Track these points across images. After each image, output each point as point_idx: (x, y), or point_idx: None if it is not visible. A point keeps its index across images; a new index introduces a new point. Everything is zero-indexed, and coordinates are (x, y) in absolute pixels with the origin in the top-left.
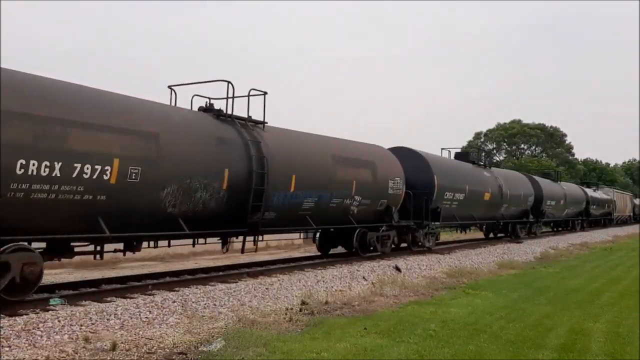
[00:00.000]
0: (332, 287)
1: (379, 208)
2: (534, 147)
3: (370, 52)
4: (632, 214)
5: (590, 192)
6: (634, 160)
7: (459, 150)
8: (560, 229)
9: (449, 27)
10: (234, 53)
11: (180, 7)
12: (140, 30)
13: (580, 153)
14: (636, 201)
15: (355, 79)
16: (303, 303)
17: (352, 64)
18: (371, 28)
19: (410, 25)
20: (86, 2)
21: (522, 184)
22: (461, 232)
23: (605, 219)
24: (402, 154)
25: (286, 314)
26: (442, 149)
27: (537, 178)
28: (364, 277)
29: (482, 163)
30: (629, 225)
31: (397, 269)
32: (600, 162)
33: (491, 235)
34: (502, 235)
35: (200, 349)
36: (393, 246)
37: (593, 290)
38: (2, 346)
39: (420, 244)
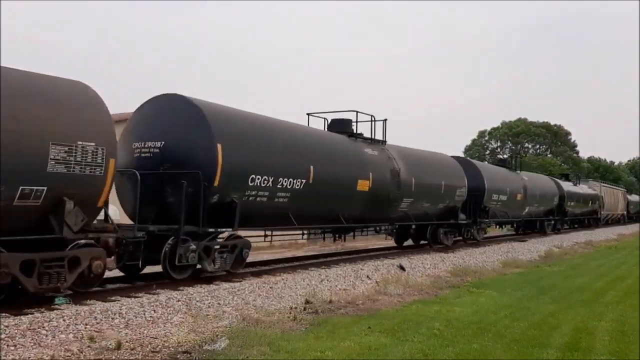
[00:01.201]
0: (336, 286)
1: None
2: (538, 146)
3: (370, 51)
4: (625, 212)
5: (567, 185)
6: (638, 158)
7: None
8: (518, 232)
9: (449, 26)
10: (234, 53)
11: (179, 7)
12: (140, 30)
13: (585, 152)
14: (631, 197)
15: (354, 79)
16: (307, 302)
17: (352, 64)
18: (371, 28)
19: (411, 25)
20: (86, 2)
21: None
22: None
23: (590, 219)
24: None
25: (290, 312)
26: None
27: (478, 164)
28: (368, 276)
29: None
30: (621, 225)
31: (401, 267)
32: (605, 160)
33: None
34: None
35: (204, 347)
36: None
37: (597, 289)
38: (8, 345)
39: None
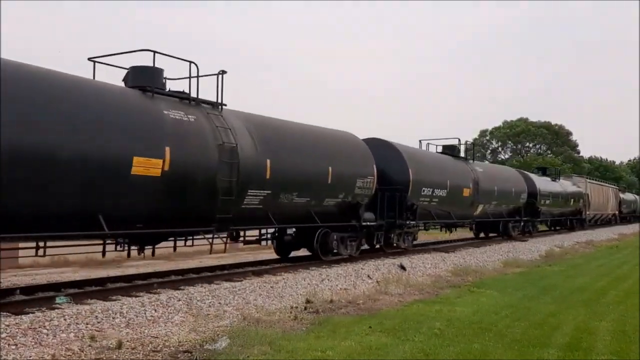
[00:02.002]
0: (336, 285)
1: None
2: (539, 146)
3: (371, 50)
4: (617, 212)
5: (542, 181)
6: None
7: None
8: (479, 236)
9: (449, 26)
10: (236, 52)
11: (182, 6)
12: (141, 30)
13: (586, 152)
14: (624, 196)
15: (355, 78)
16: (308, 301)
17: (353, 63)
18: (371, 27)
19: (411, 24)
20: (86, 1)
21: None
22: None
23: (573, 220)
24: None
25: (291, 312)
26: (421, 140)
27: (401, 148)
28: (368, 276)
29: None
30: (612, 226)
31: (402, 267)
32: (606, 159)
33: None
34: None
35: (205, 347)
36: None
37: (598, 289)
38: (9, 344)
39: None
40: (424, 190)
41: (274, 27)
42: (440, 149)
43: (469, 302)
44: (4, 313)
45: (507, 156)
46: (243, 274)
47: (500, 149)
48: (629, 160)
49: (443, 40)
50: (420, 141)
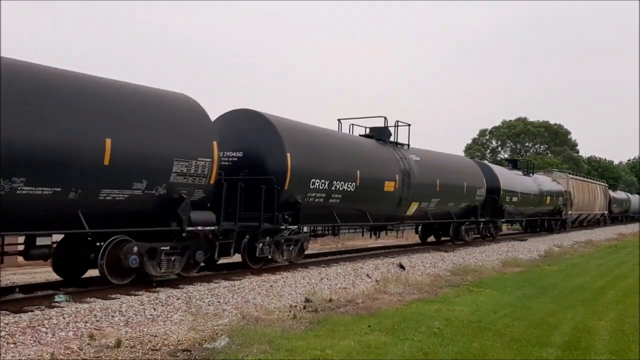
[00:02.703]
0: (335, 284)
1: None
2: (538, 145)
3: (371, 50)
4: (606, 212)
5: (508, 175)
6: (639, 158)
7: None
8: (426, 240)
9: (449, 26)
10: (235, 52)
11: (183, 6)
12: (142, 30)
13: (585, 152)
14: (615, 194)
15: (355, 77)
16: (307, 300)
17: (353, 63)
18: (371, 27)
19: (411, 24)
20: (86, 1)
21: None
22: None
23: (551, 221)
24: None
25: (290, 311)
26: (340, 120)
27: (276, 121)
28: (367, 275)
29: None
30: (600, 227)
31: (401, 266)
32: (605, 159)
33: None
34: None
35: (204, 346)
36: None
37: (597, 288)
38: (8, 343)
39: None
40: (314, 183)
41: (273, 27)
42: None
43: (468, 301)
44: (3, 311)
45: (506, 156)
46: (242, 272)
47: (499, 148)
48: (629, 160)
49: (443, 40)
50: (339, 120)
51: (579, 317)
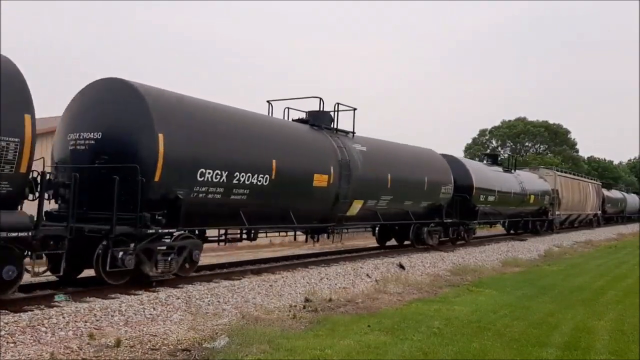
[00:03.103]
0: (335, 284)
1: None
2: (538, 145)
3: (371, 50)
4: (599, 212)
5: (481, 170)
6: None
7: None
8: (386, 244)
9: (450, 26)
10: (236, 52)
11: (183, 6)
12: (142, 30)
13: (585, 151)
14: (610, 193)
15: (356, 77)
16: (307, 300)
17: (354, 62)
18: (372, 26)
19: (412, 23)
20: (87, 1)
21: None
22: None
23: (537, 222)
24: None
25: (290, 311)
26: (270, 101)
27: (149, 104)
28: (367, 275)
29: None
30: (591, 228)
31: (401, 266)
32: (605, 160)
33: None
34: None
35: (204, 345)
36: None
37: (597, 288)
38: (8, 342)
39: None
40: (203, 174)
41: (273, 27)
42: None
43: (468, 301)
44: (3, 311)
45: (506, 156)
46: (242, 272)
47: (499, 148)
48: (629, 160)
49: (443, 40)
50: (269, 102)
51: (579, 317)
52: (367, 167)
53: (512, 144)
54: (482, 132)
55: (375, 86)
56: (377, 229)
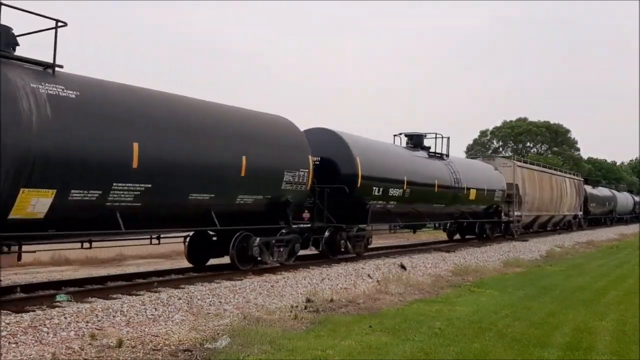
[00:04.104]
0: (337, 284)
1: None
2: (539, 145)
3: (372, 49)
4: (580, 212)
5: (377, 150)
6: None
7: None
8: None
9: (451, 25)
10: (234, 52)
11: (182, 6)
12: (140, 30)
13: (587, 152)
14: (594, 191)
15: (357, 77)
16: (308, 301)
17: (355, 62)
18: (373, 26)
19: (413, 23)
20: (86, 1)
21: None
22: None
23: (486, 225)
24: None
25: (291, 311)
26: None
27: None
28: (369, 275)
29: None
30: (573, 231)
31: (402, 267)
32: (606, 160)
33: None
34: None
35: (205, 346)
36: None
37: (599, 289)
38: (10, 342)
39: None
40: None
41: (273, 27)
42: None
43: (469, 301)
44: (5, 311)
45: (509, 154)
46: (243, 273)
47: (501, 149)
48: (630, 161)
49: (443, 40)
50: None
51: (580, 317)
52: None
53: (513, 144)
54: (483, 133)
55: (375, 86)
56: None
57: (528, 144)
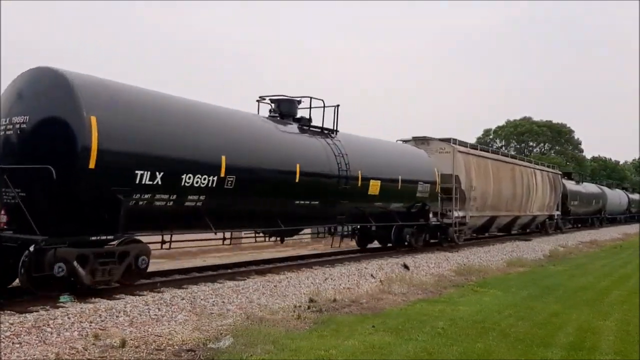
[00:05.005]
0: (340, 284)
1: None
2: (542, 144)
3: (373, 50)
4: (556, 212)
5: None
6: None
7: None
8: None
9: (452, 25)
10: (234, 51)
11: (181, 6)
12: (138, 30)
13: (587, 152)
14: (579, 187)
15: (358, 77)
16: (311, 300)
17: (356, 62)
18: (374, 26)
19: (414, 23)
20: (86, 1)
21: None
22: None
23: (405, 230)
24: None
25: (294, 311)
26: None
27: None
28: (372, 275)
29: None
30: (547, 236)
31: (405, 266)
32: (610, 159)
33: None
34: None
35: (208, 346)
36: None
37: (602, 289)
38: (13, 343)
39: None
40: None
41: (273, 27)
42: None
43: (472, 301)
44: (8, 311)
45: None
46: (246, 273)
47: (504, 148)
48: (634, 160)
49: (443, 40)
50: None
51: (584, 317)
52: None
53: (516, 143)
54: (487, 132)
55: (376, 86)
56: None
57: (531, 143)
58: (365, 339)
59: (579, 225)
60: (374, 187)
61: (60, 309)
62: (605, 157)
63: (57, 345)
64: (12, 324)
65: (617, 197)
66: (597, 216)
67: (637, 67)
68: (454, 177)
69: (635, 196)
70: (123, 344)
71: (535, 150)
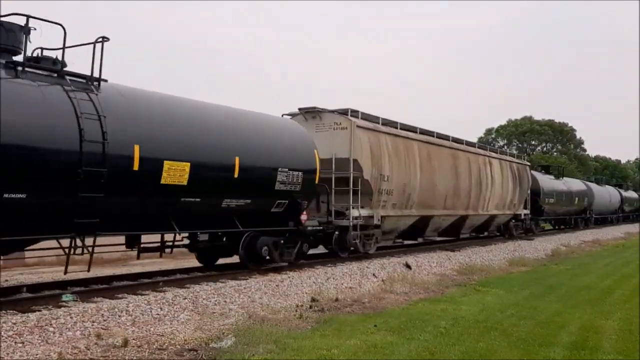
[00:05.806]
0: (342, 284)
1: None
2: (544, 144)
3: (374, 50)
4: (524, 211)
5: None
6: None
7: None
8: None
9: (453, 25)
10: (233, 52)
11: (179, 6)
12: (137, 30)
13: (590, 151)
14: (557, 183)
15: (359, 77)
16: (313, 300)
17: (356, 62)
18: (375, 26)
19: (415, 22)
20: (85, 1)
21: None
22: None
23: (263, 241)
24: None
25: (296, 310)
26: None
27: None
28: (374, 274)
29: None
30: (503, 242)
31: (407, 266)
32: (611, 159)
33: None
34: None
35: (211, 345)
36: None
37: (605, 288)
38: (16, 342)
39: None
40: None
41: (273, 27)
42: None
43: (475, 300)
44: (11, 311)
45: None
46: (248, 272)
47: (506, 147)
48: (636, 159)
49: (443, 40)
50: None
51: (586, 316)
52: None
53: (518, 142)
54: (489, 131)
55: (376, 86)
56: None
57: (533, 142)
58: (367, 339)
59: (563, 227)
60: (176, 173)
61: (63, 308)
62: (606, 157)
63: (59, 344)
64: (14, 323)
65: (606, 194)
66: (581, 216)
67: (637, 67)
68: (351, 162)
69: (629, 194)
70: (125, 343)
71: (537, 149)
